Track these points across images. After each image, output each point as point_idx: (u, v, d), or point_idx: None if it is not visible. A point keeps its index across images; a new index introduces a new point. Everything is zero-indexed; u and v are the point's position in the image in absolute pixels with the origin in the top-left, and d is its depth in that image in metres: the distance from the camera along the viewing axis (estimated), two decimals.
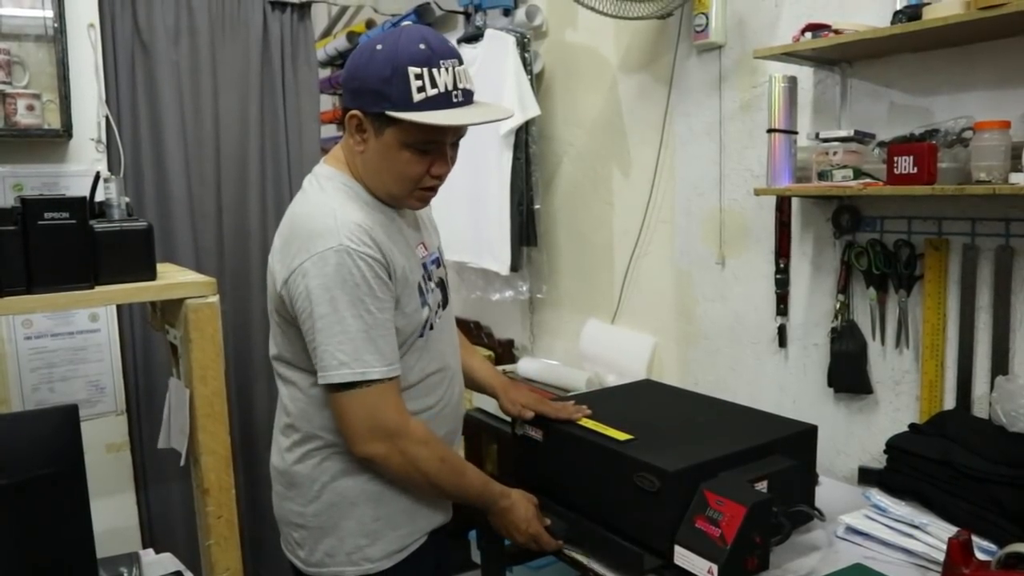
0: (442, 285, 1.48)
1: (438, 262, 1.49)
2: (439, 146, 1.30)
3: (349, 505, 1.36)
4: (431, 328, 1.40)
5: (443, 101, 1.25)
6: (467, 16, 2.70)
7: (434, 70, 1.24)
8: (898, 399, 1.77)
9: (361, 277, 1.25)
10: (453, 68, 1.26)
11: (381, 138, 1.28)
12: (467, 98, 1.29)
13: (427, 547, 1.43)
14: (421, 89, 1.23)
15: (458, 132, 1.33)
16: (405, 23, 2.82)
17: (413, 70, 1.23)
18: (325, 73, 3.39)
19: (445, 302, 1.48)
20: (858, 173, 1.60)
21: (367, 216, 1.31)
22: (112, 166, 2.29)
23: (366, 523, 1.37)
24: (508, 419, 1.67)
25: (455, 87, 1.26)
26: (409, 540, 1.40)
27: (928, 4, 1.48)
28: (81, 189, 1.85)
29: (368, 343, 1.25)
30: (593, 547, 1.44)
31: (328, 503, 1.37)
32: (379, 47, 1.25)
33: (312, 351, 1.28)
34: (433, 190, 1.37)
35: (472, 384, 1.66)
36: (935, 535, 1.38)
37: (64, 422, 1.30)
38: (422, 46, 1.24)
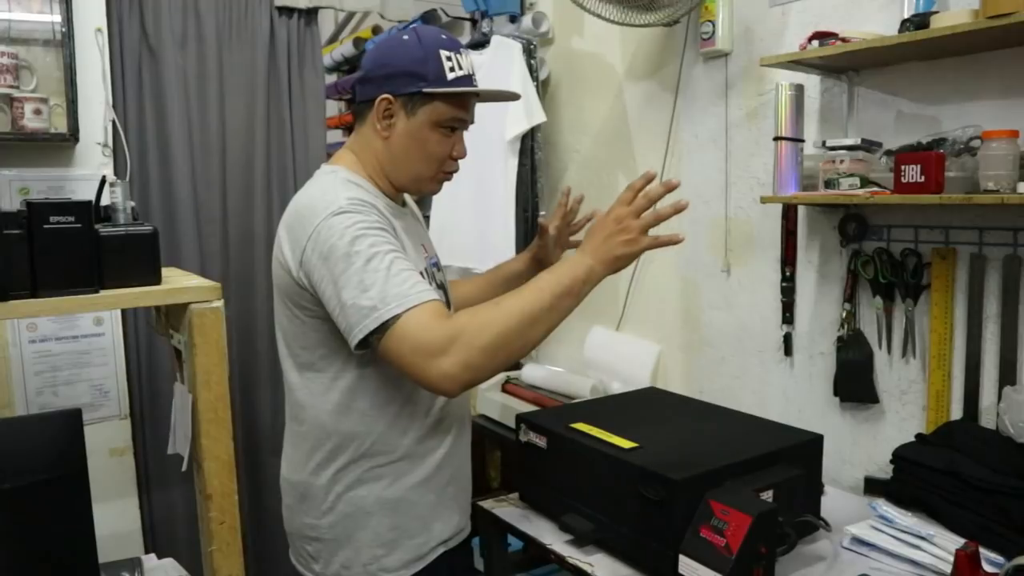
0: (444, 289, 1.48)
1: (437, 266, 1.50)
2: (463, 126, 1.40)
3: (365, 515, 1.35)
4: None
5: (468, 81, 1.36)
6: (474, 22, 2.70)
7: (458, 55, 1.35)
8: (904, 409, 1.76)
9: (367, 226, 1.22)
10: (468, 56, 1.38)
11: (412, 119, 1.34)
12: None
13: (444, 557, 1.42)
14: (452, 69, 1.33)
15: (472, 115, 1.41)
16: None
17: (444, 52, 1.33)
18: (331, 79, 3.40)
19: (448, 306, 1.48)
20: (865, 182, 1.60)
21: (367, 197, 1.31)
22: (118, 170, 2.29)
23: (382, 533, 1.35)
24: (512, 427, 1.66)
25: (473, 72, 1.38)
26: (425, 549, 1.39)
27: (936, 13, 1.48)
28: (87, 193, 1.86)
29: (392, 277, 1.18)
30: (623, 548, 1.42)
31: (343, 514, 1.35)
32: (405, 37, 1.36)
33: (342, 311, 1.21)
34: (451, 175, 1.43)
35: (506, 280, 1.63)
36: (942, 546, 1.37)
37: (68, 426, 1.30)
38: (443, 36, 1.37)
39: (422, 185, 1.41)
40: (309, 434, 1.37)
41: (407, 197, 1.52)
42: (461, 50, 1.36)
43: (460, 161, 1.42)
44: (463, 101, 1.36)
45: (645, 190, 1.23)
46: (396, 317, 1.17)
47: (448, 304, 1.49)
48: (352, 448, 1.34)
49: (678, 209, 1.21)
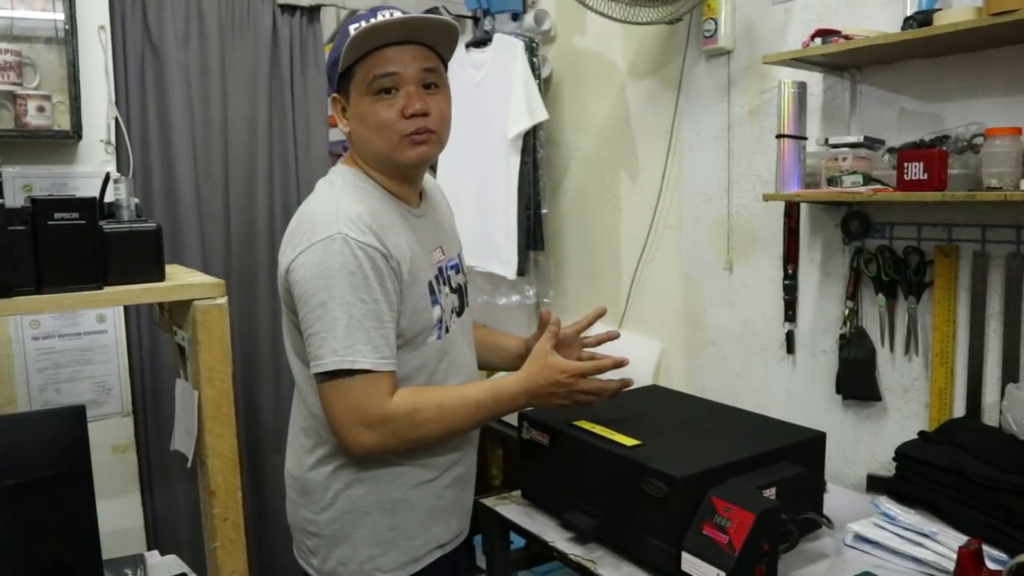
0: (460, 292, 1.47)
1: (457, 268, 1.48)
2: (396, 81, 1.28)
3: (362, 514, 1.35)
4: (447, 331, 1.39)
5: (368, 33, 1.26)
6: (476, 20, 2.70)
7: (371, 18, 1.28)
8: (907, 406, 1.76)
9: (358, 266, 1.23)
10: (392, 13, 1.29)
11: (351, 103, 1.33)
12: None
13: (442, 560, 1.42)
14: (357, 31, 1.26)
15: (407, 67, 1.28)
16: None
17: (353, 26, 1.28)
18: None
19: (462, 309, 1.47)
20: (868, 179, 1.59)
21: (373, 208, 1.30)
22: (121, 168, 2.29)
23: (379, 532, 1.35)
24: (514, 424, 1.66)
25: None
26: (422, 551, 1.38)
27: (939, 10, 1.48)
28: (90, 190, 1.85)
29: (361, 332, 1.22)
30: (625, 546, 1.42)
31: (341, 511, 1.35)
32: None
33: (307, 339, 1.25)
34: (421, 134, 1.30)
35: (493, 350, 1.64)
36: (945, 544, 1.37)
37: (71, 423, 1.30)
38: (364, 12, 1.31)
39: (396, 158, 1.32)
40: (312, 430, 1.37)
41: (429, 187, 1.49)
42: (380, 12, 1.28)
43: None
44: (378, 54, 1.27)
45: (606, 387, 1.39)
46: (348, 372, 1.22)
47: (463, 308, 1.47)
48: None
49: (624, 385, 1.42)
